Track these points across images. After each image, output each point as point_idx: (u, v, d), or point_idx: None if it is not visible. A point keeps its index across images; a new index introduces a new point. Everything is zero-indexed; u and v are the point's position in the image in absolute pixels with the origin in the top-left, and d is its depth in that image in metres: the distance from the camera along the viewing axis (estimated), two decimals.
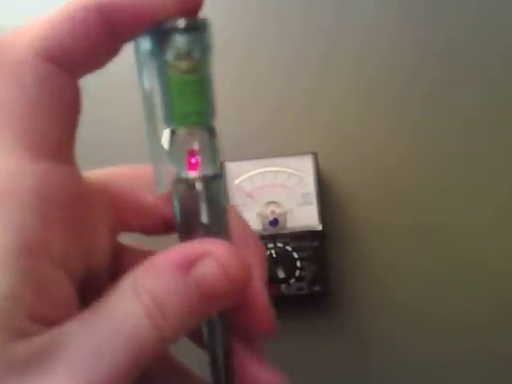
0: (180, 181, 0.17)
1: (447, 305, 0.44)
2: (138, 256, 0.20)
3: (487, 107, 0.44)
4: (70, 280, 0.16)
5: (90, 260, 0.17)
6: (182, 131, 0.17)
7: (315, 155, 0.43)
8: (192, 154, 0.17)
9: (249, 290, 0.17)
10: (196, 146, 0.17)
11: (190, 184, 0.17)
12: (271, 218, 0.42)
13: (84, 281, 0.17)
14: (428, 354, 0.44)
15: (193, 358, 0.21)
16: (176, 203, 0.17)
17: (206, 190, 0.17)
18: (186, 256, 0.15)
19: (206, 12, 0.17)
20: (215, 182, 0.17)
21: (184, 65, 0.16)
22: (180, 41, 0.16)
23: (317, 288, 0.41)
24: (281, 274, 0.41)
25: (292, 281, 0.41)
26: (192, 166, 0.17)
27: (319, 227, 0.42)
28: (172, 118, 0.16)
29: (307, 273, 0.41)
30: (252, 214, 0.42)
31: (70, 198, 0.16)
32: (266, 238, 0.41)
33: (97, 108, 0.43)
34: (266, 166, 0.43)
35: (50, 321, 0.15)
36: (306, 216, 0.42)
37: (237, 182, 0.43)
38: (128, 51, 0.17)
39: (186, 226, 0.17)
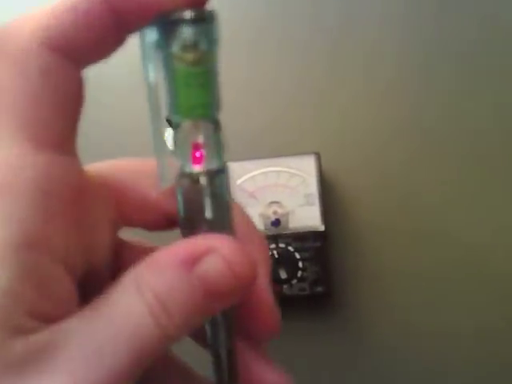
0: (184, 175, 0.17)
1: (449, 308, 0.43)
2: (139, 252, 0.19)
3: (496, 112, 0.44)
4: (70, 276, 0.15)
5: (90, 255, 0.17)
6: (186, 124, 0.16)
7: (318, 155, 0.43)
8: (197, 147, 0.16)
9: (253, 288, 0.17)
10: (201, 140, 0.16)
11: (194, 178, 0.16)
12: (273, 218, 0.42)
13: (84, 277, 0.16)
14: (429, 356, 0.43)
15: (195, 357, 0.21)
16: (179, 198, 0.17)
17: (211, 184, 0.17)
18: (189, 252, 0.15)
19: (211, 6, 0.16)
20: (220, 176, 0.17)
21: (190, 57, 0.16)
22: (187, 32, 0.15)
23: (319, 289, 0.41)
24: (283, 275, 0.40)
25: (294, 281, 0.41)
26: (196, 160, 0.16)
27: (321, 228, 0.41)
28: (177, 111, 0.16)
29: (309, 274, 0.41)
30: (254, 215, 0.42)
31: (71, 191, 0.15)
32: (267, 239, 0.41)
33: (97, 102, 0.42)
34: (269, 166, 0.43)
35: (49, 318, 0.14)
36: (308, 216, 0.42)
37: (239, 182, 0.42)
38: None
39: (189, 222, 0.17)
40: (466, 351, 0.43)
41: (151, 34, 0.16)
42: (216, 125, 0.16)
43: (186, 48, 0.16)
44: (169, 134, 0.17)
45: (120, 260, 0.19)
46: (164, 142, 0.17)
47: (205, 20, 0.16)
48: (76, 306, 0.15)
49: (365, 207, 0.44)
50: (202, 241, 0.15)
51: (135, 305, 0.15)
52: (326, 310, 0.44)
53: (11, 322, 0.13)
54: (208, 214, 0.17)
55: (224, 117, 0.17)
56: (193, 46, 0.16)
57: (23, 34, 0.14)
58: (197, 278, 0.15)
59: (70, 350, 0.14)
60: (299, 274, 0.41)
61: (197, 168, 0.16)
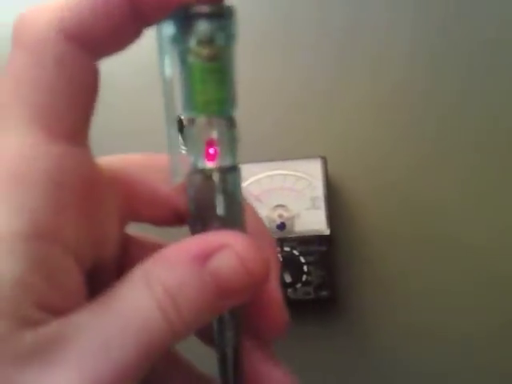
0: (196, 171, 0.16)
1: (455, 312, 0.43)
2: (147, 247, 0.19)
3: (502, 119, 0.44)
4: (79, 268, 0.15)
5: (99, 249, 0.16)
6: (201, 120, 0.16)
7: (324, 159, 0.43)
8: (210, 143, 0.16)
9: (264, 286, 0.17)
10: (215, 136, 0.16)
11: (206, 175, 0.16)
12: (278, 221, 0.42)
13: (92, 270, 0.16)
14: (434, 360, 0.43)
15: (199, 355, 0.20)
16: (191, 194, 0.17)
17: (223, 181, 0.16)
18: (202, 248, 0.15)
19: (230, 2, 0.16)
20: (232, 173, 0.17)
21: (206, 52, 0.15)
22: (204, 27, 0.15)
23: (323, 293, 0.41)
24: (287, 279, 0.40)
25: (298, 285, 0.40)
26: (210, 157, 0.16)
27: (327, 232, 0.41)
28: (192, 106, 0.16)
29: (314, 278, 0.41)
30: None
31: (83, 183, 0.15)
32: None
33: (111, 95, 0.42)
34: (275, 169, 0.43)
35: (58, 310, 0.14)
36: (313, 220, 0.42)
37: (244, 184, 0.42)
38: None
39: (200, 218, 0.17)
40: (472, 356, 0.43)
41: (168, 28, 0.16)
42: (231, 121, 0.16)
43: (202, 43, 0.15)
44: (183, 128, 0.16)
45: (127, 255, 0.19)
46: (177, 137, 0.17)
47: (222, 15, 0.16)
48: (84, 299, 0.15)
49: (370, 211, 0.44)
50: (214, 237, 0.15)
51: (144, 299, 0.14)
52: (331, 314, 0.44)
53: (20, 312, 0.13)
54: (220, 210, 0.16)
55: None
56: (209, 41, 0.15)
57: (39, 23, 0.14)
58: (208, 274, 0.15)
59: (80, 342, 0.14)
60: (304, 278, 0.40)
61: (210, 164, 0.16)
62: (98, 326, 0.14)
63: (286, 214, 0.42)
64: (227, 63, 0.16)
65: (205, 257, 0.15)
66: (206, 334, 0.19)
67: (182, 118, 0.17)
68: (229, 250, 0.15)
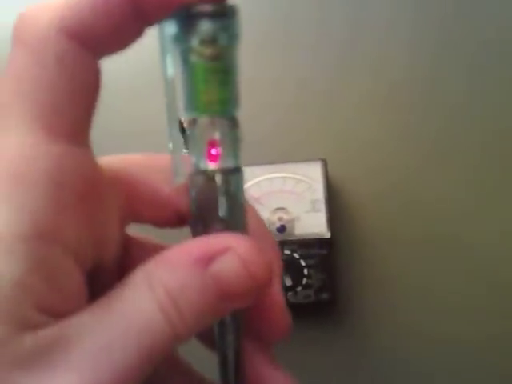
0: (198, 172, 0.16)
1: (456, 315, 0.43)
2: (148, 249, 0.19)
3: (504, 119, 0.44)
4: (80, 269, 0.15)
5: (100, 250, 0.16)
6: (203, 120, 0.16)
7: (324, 162, 0.42)
8: (213, 144, 0.16)
9: (267, 289, 0.17)
10: (217, 137, 0.16)
11: (208, 176, 0.16)
12: (279, 224, 0.42)
13: (92, 272, 0.16)
14: (436, 363, 0.43)
15: (200, 358, 0.20)
16: (193, 195, 0.17)
17: (226, 183, 0.16)
18: (204, 250, 0.15)
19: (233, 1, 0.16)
20: (235, 175, 0.17)
21: (209, 51, 0.15)
22: (206, 26, 0.15)
23: (324, 296, 0.40)
24: (288, 282, 0.40)
25: (299, 289, 0.40)
26: (212, 158, 0.16)
27: (327, 235, 0.41)
28: (194, 107, 0.16)
29: (314, 281, 0.40)
30: None
31: (84, 183, 0.15)
32: None
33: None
34: (275, 171, 0.43)
35: (58, 312, 0.14)
36: (314, 223, 0.41)
37: (244, 187, 0.42)
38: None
39: (202, 220, 0.17)
40: (472, 358, 0.42)
41: (170, 28, 0.16)
42: (233, 122, 0.16)
43: (205, 42, 0.15)
44: (185, 129, 0.16)
45: (128, 256, 0.19)
46: (179, 138, 0.16)
47: (225, 15, 0.15)
48: (85, 301, 0.15)
49: (371, 214, 0.44)
50: (216, 239, 0.15)
51: (146, 301, 0.14)
52: (331, 317, 0.43)
53: (19, 315, 0.13)
54: (222, 212, 0.16)
55: None
56: (212, 40, 0.15)
57: (40, 22, 0.14)
58: (211, 277, 0.14)
59: (81, 344, 0.13)
60: (304, 281, 0.40)
61: (212, 165, 0.16)
62: (100, 328, 0.14)
63: (286, 217, 0.42)
64: (230, 63, 0.16)
65: (207, 259, 0.15)
66: (206, 337, 0.19)
67: (183, 119, 0.17)
68: (231, 253, 0.15)
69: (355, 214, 0.44)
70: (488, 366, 0.42)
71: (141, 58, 0.41)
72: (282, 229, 0.41)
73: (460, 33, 0.45)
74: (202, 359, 0.20)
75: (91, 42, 0.14)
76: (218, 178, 0.16)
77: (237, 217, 0.17)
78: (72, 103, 0.15)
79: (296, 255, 0.40)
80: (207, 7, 0.15)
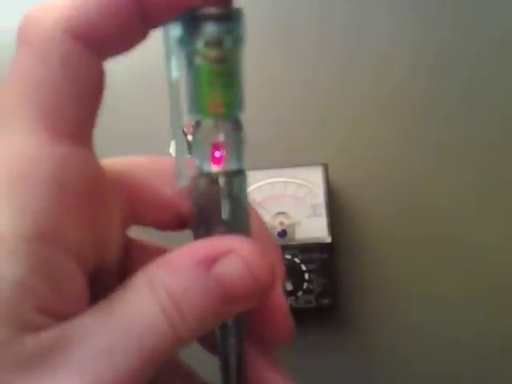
0: (202, 175, 0.16)
1: (458, 319, 0.43)
2: (149, 251, 0.19)
3: (506, 122, 0.44)
4: (82, 271, 0.15)
5: (102, 252, 0.16)
6: (207, 123, 0.16)
7: (325, 166, 0.42)
8: (216, 147, 0.16)
9: (269, 292, 0.17)
10: (221, 139, 0.16)
11: (212, 178, 0.16)
12: (279, 229, 0.41)
13: (93, 274, 0.16)
14: (439, 367, 0.43)
15: (201, 362, 0.20)
16: (196, 198, 0.17)
17: (229, 185, 0.16)
18: (207, 252, 0.15)
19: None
20: (238, 178, 0.16)
21: (214, 54, 0.15)
22: (212, 29, 0.15)
23: (325, 301, 0.40)
24: (288, 287, 0.40)
25: (300, 293, 0.40)
26: (215, 160, 0.16)
27: (328, 239, 0.41)
28: (198, 109, 0.16)
29: (315, 286, 0.40)
30: None
31: (87, 184, 0.15)
32: None
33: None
34: (276, 176, 0.43)
35: (59, 314, 0.14)
36: (314, 228, 0.41)
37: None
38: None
39: (204, 223, 0.17)
40: (474, 360, 0.42)
41: (175, 30, 0.16)
42: (237, 124, 0.16)
43: (209, 45, 0.15)
44: (189, 131, 0.16)
45: (129, 258, 0.19)
46: (183, 140, 0.16)
47: (231, 17, 0.15)
48: (86, 303, 0.15)
49: (372, 219, 0.44)
50: (219, 241, 0.15)
51: (148, 304, 0.14)
52: (333, 322, 0.43)
53: (20, 317, 0.13)
54: (225, 215, 0.16)
55: None
56: (217, 43, 0.15)
57: (45, 22, 0.14)
58: (213, 280, 0.14)
59: (82, 346, 0.13)
60: (305, 285, 0.40)
61: (215, 168, 0.16)
62: (101, 330, 0.14)
63: (286, 222, 0.42)
64: (235, 66, 0.16)
65: (210, 262, 0.14)
66: (208, 341, 0.19)
67: (185, 126, 0.17)
68: (234, 256, 0.15)
69: (356, 219, 0.44)
70: (489, 368, 0.42)
71: (144, 60, 0.42)
72: (282, 233, 0.41)
73: (462, 33, 0.45)
74: (203, 363, 0.20)
75: (96, 43, 0.14)
76: (222, 181, 0.16)
77: (240, 219, 0.17)
78: (76, 104, 0.15)
79: (297, 260, 0.40)
80: (212, 10, 0.15)
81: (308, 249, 0.41)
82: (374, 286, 0.43)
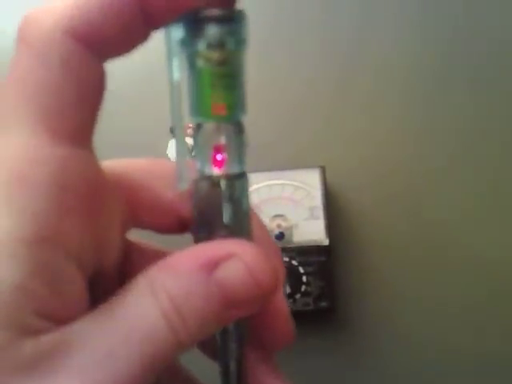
0: (203, 178, 0.16)
1: (455, 324, 0.43)
2: (148, 254, 0.19)
3: (503, 129, 0.44)
4: (82, 275, 0.15)
5: (101, 255, 0.16)
6: (209, 125, 0.16)
7: (323, 169, 0.42)
8: (218, 149, 0.16)
9: (271, 297, 0.16)
10: (223, 142, 0.16)
11: (213, 182, 0.16)
12: (277, 231, 0.41)
13: (93, 277, 0.16)
14: (435, 371, 0.43)
15: (201, 367, 0.20)
16: (197, 201, 0.16)
17: (230, 188, 0.16)
18: (208, 256, 0.15)
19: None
20: (240, 181, 0.16)
21: (216, 56, 0.15)
22: (214, 31, 0.15)
23: (323, 304, 0.40)
24: (286, 289, 0.40)
25: (298, 296, 0.40)
26: (217, 163, 0.16)
27: (326, 242, 0.41)
28: (200, 112, 0.16)
29: (313, 288, 0.40)
30: None
31: (87, 186, 0.15)
32: None
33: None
34: (273, 178, 0.43)
35: (59, 318, 0.14)
36: (312, 230, 0.41)
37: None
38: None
39: (205, 226, 0.16)
40: (473, 365, 0.42)
41: (177, 32, 0.15)
42: (239, 127, 0.16)
43: (212, 47, 0.15)
44: (190, 134, 0.16)
45: (128, 261, 0.18)
46: (185, 143, 0.16)
47: (233, 19, 0.15)
48: (86, 307, 0.15)
49: (370, 221, 0.44)
50: (221, 245, 0.15)
51: (149, 308, 0.14)
52: (330, 325, 0.43)
53: (20, 320, 0.13)
54: (226, 218, 0.16)
55: None
56: (219, 45, 0.15)
57: (45, 24, 0.14)
58: (215, 284, 0.14)
59: (83, 351, 0.13)
60: (303, 288, 0.40)
61: (217, 171, 0.16)
62: (102, 334, 0.14)
63: (284, 224, 0.42)
64: (237, 68, 0.16)
65: (212, 266, 0.14)
66: (208, 346, 0.18)
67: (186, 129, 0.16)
68: (236, 260, 0.14)
69: (353, 221, 0.44)
70: (487, 370, 0.42)
71: (145, 61, 0.41)
72: (280, 236, 0.41)
73: (466, 36, 0.45)
74: (203, 368, 0.20)
75: (97, 44, 0.14)
76: (223, 184, 0.16)
77: (241, 223, 0.17)
78: (77, 106, 0.14)
79: (294, 262, 0.40)
80: (215, 11, 0.15)
81: (306, 251, 0.41)
82: (371, 288, 0.43)
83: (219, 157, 0.16)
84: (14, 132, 0.14)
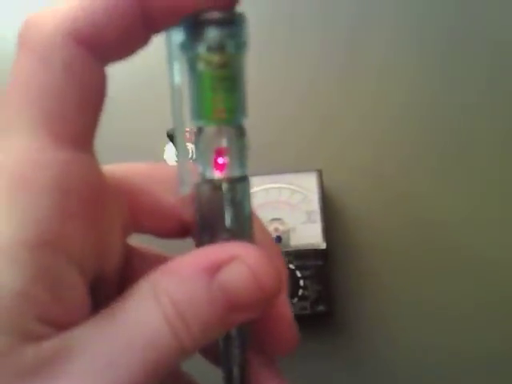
0: (205, 181, 0.16)
1: (452, 328, 0.43)
2: (149, 259, 0.19)
3: (502, 136, 0.44)
4: (83, 280, 0.15)
5: (103, 260, 0.16)
6: (210, 129, 0.16)
7: (320, 172, 0.42)
8: (219, 153, 0.16)
9: (274, 301, 0.16)
10: (224, 145, 0.16)
11: (215, 185, 0.16)
12: (274, 235, 0.41)
13: (93, 282, 0.16)
14: (433, 373, 0.42)
15: (204, 373, 0.20)
16: (199, 205, 0.16)
17: (232, 192, 0.16)
18: (211, 260, 0.14)
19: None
20: (242, 184, 0.16)
21: (216, 59, 0.15)
22: (214, 34, 0.15)
23: (320, 308, 0.40)
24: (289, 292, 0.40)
25: (295, 300, 0.40)
26: (219, 167, 0.16)
27: (323, 246, 0.41)
28: (201, 115, 0.16)
29: (310, 292, 0.40)
30: None
31: (89, 190, 0.15)
32: None
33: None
34: (270, 182, 0.43)
35: (61, 324, 0.14)
36: (309, 234, 0.41)
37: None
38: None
39: (207, 230, 0.16)
40: (473, 368, 0.42)
41: (178, 35, 0.15)
42: (240, 130, 0.16)
43: (212, 50, 0.15)
44: (191, 137, 0.16)
45: (129, 267, 0.18)
46: (186, 147, 0.16)
47: (233, 22, 0.15)
48: (88, 313, 0.14)
49: (367, 225, 0.44)
50: (223, 248, 0.15)
51: (152, 313, 0.14)
52: (328, 329, 0.43)
53: (22, 326, 0.13)
54: (228, 222, 0.16)
55: None
56: (220, 48, 0.15)
57: (46, 27, 0.14)
58: (218, 288, 0.14)
59: (84, 358, 0.13)
60: (300, 292, 0.40)
61: (218, 174, 0.16)
62: (103, 339, 0.13)
63: (281, 228, 0.42)
64: (237, 71, 0.16)
65: (214, 269, 0.14)
66: (211, 352, 0.18)
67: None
68: (239, 262, 0.14)
69: (351, 225, 0.44)
70: (488, 376, 0.42)
71: (146, 65, 0.41)
72: (277, 240, 0.41)
73: (467, 34, 0.45)
74: (205, 374, 0.20)
75: (99, 48, 0.14)
76: (225, 187, 0.16)
77: (243, 226, 0.16)
78: (79, 110, 0.14)
79: (292, 266, 0.40)
80: (215, 14, 0.15)
81: (303, 255, 0.40)
82: (369, 292, 0.43)
83: (221, 160, 0.16)
84: (16, 136, 0.14)
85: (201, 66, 0.15)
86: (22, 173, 0.14)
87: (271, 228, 0.42)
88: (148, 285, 0.14)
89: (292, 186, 0.42)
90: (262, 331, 0.17)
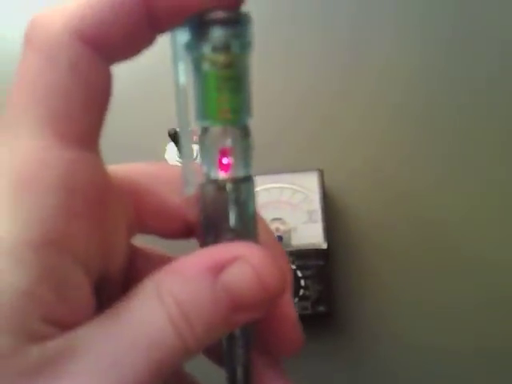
0: (209, 181, 0.16)
1: (453, 327, 0.43)
2: (153, 260, 0.19)
3: (504, 138, 0.44)
4: (88, 280, 0.15)
5: (107, 260, 0.16)
6: (215, 129, 0.16)
7: (321, 172, 0.42)
8: (224, 153, 0.16)
9: (278, 301, 0.16)
10: (229, 146, 0.16)
11: (219, 185, 0.16)
12: (275, 235, 0.41)
13: (98, 282, 0.16)
14: (434, 374, 0.42)
15: (208, 373, 0.20)
16: (203, 205, 0.16)
17: (236, 192, 0.16)
18: (215, 259, 0.14)
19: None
20: (246, 184, 0.16)
21: (221, 59, 0.15)
22: (219, 33, 0.15)
23: (321, 308, 0.40)
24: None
25: (296, 300, 0.40)
26: (223, 167, 0.16)
27: (324, 246, 0.41)
28: (206, 115, 0.16)
29: (311, 292, 0.40)
30: None
31: (95, 190, 0.15)
32: None
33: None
34: (271, 182, 0.43)
35: (65, 324, 0.14)
36: (310, 234, 0.41)
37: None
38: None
39: (212, 230, 0.16)
40: (473, 368, 0.42)
41: (183, 35, 0.15)
42: (245, 130, 0.16)
43: (217, 50, 0.15)
44: (196, 138, 0.16)
45: (134, 267, 0.18)
46: (191, 147, 0.16)
47: (238, 22, 0.15)
48: (92, 313, 0.14)
49: (368, 225, 0.44)
50: (227, 248, 0.15)
51: (156, 314, 0.14)
52: (329, 329, 0.43)
53: (27, 326, 0.13)
54: (232, 222, 0.16)
55: None
56: (225, 48, 0.15)
57: (53, 26, 0.14)
58: (222, 288, 0.14)
59: (88, 357, 0.13)
60: (301, 292, 0.40)
61: (223, 175, 0.16)
62: (107, 339, 0.13)
63: (282, 228, 0.42)
64: (243, 71, 0.16)
65: (218, 269, 0.14)
66: (214, 352, 0.18)
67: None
68: (243, 262, 0.14)
69: (352, 225, 0.44)
70: (488, 375, 0.42)
71: (151, 65, 0.41)
72: (278, 239, 0.41)
73: (468, 34, 0.45)
74: (209, 374, 0.20)
75: (105, 48, 0.14)
76: (229, 188, 0.16)
77: (248, 226, 0.16)
78: (85, 109, 0.14)
79: (293, 266, 0.40)
80: (220, 14, 0.15)
81: (304, 255, 0.40)
82: (369, 292, 0.43)
83: (225, 160, 0.16)
84: (22, 134, 0.14)
85: (206, 66, 0.15)
86: (28, 172, 0.13)
87: (272, 228, 0.42)
88: (152, 285, 0.14)
89: (293, 186, 0.42)
90: (266, 331, 0.17)
